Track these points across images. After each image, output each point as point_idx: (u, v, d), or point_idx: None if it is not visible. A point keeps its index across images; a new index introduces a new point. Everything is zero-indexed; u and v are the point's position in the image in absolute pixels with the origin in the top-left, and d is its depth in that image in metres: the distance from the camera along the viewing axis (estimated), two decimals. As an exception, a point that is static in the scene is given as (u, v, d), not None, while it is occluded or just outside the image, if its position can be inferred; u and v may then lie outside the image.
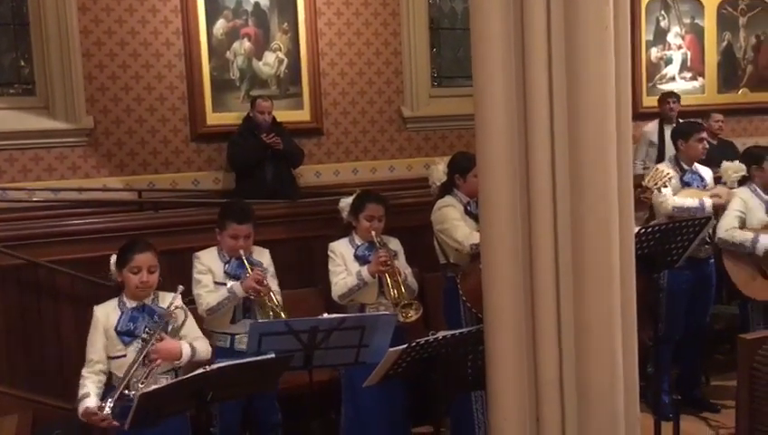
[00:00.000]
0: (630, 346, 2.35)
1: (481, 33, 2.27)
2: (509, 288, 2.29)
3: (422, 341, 2.82)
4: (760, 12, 7.74)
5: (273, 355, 2.70)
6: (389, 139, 6.80)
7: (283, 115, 6.08)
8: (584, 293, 2.25)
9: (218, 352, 3.39)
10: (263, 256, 3.73)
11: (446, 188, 3.97)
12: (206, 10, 5.98)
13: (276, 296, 3.59)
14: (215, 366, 2.56)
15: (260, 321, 3.14)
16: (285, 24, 6.24)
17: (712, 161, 4.68)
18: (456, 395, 3.63)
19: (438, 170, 4.08)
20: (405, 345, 2.82)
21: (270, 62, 6.24)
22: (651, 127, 6.75)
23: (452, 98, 6.80)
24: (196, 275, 3.57)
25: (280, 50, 6.25)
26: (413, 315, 3.63)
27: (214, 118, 6.10)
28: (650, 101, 7.07)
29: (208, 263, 3.60)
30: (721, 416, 4.21)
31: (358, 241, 3.84)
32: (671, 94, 6.82)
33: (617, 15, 2.24)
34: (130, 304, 3.14)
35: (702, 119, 6.80)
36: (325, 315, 3.05)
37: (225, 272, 3.56)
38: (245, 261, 3.53)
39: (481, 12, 2.26)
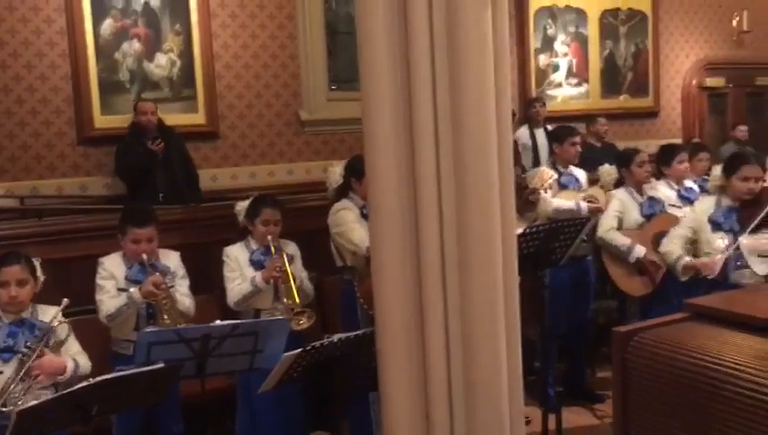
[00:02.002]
0: (514, 343, 2.45)
1: (366, 40, 2.31)
2: (398, 290, 2.34)
3: (317, 344, 2.84)
4: (638, 22, 8.21)
5: (161, 365, 2.64)
6: (287, 142, 6.77)
7: (177, 118, 5.94)
8: (470, 293, 2.33)
9: (121, 360, 3.31)
10: (170, 258, 3.66)
11: (343, 192, 4.00)
12: (93, 9, 5.76)
13: (186, 300, 3.57)
14: (99, 378, 2.48)
15: (147, 330, 3.06)
16: (177, 25, 6.10)
17: (597, 163, 4.94)
18: (353, 397, 3.66)
19: (335, 173, 4.10)
20: (300, 349, 2.83)
21: (162, 64, 6.08)
22: (521, 132, 7.05)
23: (349, 101, 6.85)
24: (98, 281, 3.49)
25: (172, 51, 6.10)
26: (305, 323, 3.63)
27: (102, 121, 5.88)
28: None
29: (111, 268, 3.51)
30: (606, 405, 4.43)
31: (254, 246, 3.81)
32: (537, 99, 7.16)
33: (495, 21, 2.33)
34: (7, 318, 3.00)
35: (588, 123, 7.18)
36: (217, 322, 3.01)
37: (126, 277, 3.48)
38: (148, 266, 3.46)
39: (366, 19, 2.30)
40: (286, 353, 2.83)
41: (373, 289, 2.42)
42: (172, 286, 3.54)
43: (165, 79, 6.10)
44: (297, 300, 3.65)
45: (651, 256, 4.13)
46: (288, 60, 6.65)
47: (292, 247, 3.89)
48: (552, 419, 3.63)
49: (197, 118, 6.24)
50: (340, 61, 7.12)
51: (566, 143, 4.53)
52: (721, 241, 3.66)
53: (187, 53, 6.15)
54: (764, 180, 3.85)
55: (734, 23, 8.76)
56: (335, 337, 2.88)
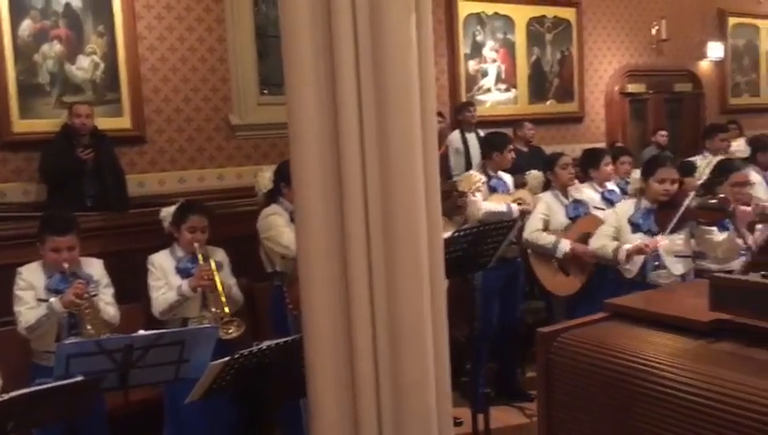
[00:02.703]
0: (442, 345, 2.47)
1: (291, 44, 2.30)
2: (325, 294, 2.33)
3: (245, 352, 2.80)
4: (563, 30, 8.43)
5: (80, 378, 2.55)
6: (217, 147, 6.65)
7: (102, 122, 5.76)
8: (397, 297, 2.34)
9: (43, 372, 3.20)
10: (93, 267, 3.56)
11: (273, 197, 3.98)
12: (11, 10, 5.53)
13: (110, 309, 3.48)
14: (14, 393, 2.37)
15: (66, 342, 2.96)
16: (101, 26, 5.92)
17: (525, 167, 5.04)
18: (284, 405, 3.62)
19: (264, 178, 4.07)
20: (227, 358, 2.78)
21: (84, 67, 5.89)
22: (454, 136, 7.15)
23: (280, 106, 6.75)
24: (16, 292, 3.38)
25: (95, 54, 5.92)
26: (234, 332, 3.58)
27: (22, 125, 5.65)
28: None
29: (30, 278, 3.40)
30: (535, 404, 4.46)
31: (180, 253, 3.73)
32: (469, 104, 7.27)
33: (420, 26, 2.35)
34: None
35: (515, 128, 7.33)
36: (141, 332, 2.93)
37: (46, 287, 3.36)
38: (69, 275, 3.35)
39: (290, 24, 2.29)
40: (213, 362, 2.78)
41: (300, 294, 2.40)
42: (95, 295, 3.45)
43: (88, 81, 5.91)
44: (226, 309, 3.60)
45: (579, 247, 4.20)
46: (217, 63, 6.54)
47: (220, 254, 3.82)
48: (482, 419, 3.68)
49: (123, 122, 6.07)
50: (271, 65, 7.05)
51: (505, 150, 4.63)
52: (640, 242, 3.78)
53: (111, 56, 5.98)
54: (681, 183, 4.00)
55: (654, 31, 9.10)
56: (264, 344, 2.85)
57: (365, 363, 2.34)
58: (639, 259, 3.77)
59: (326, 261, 2.33)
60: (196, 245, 3.66)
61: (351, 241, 2.32)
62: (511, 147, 4.70)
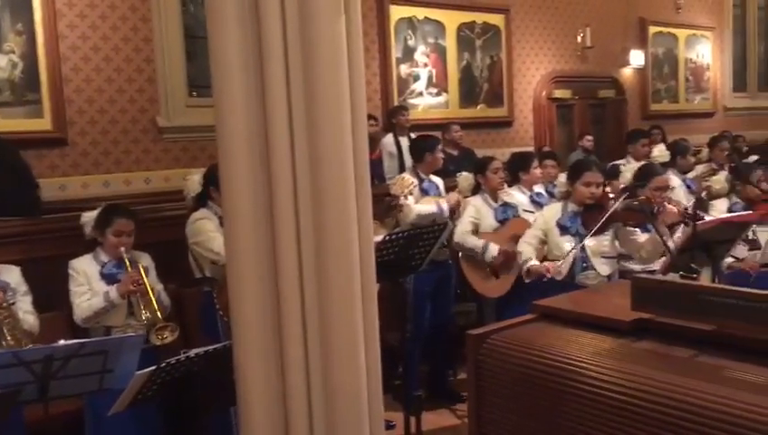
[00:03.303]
0: (374, 350, 2.47)
1: (218, 46, 2.26)
2: (254, 299, 2.30)
3: (172, 361, 2.72)
4: (492, 36, 8.58)
5: (-5, 391, 2.43)
6: (144, 149, 6.48)
7: (20, 124, 5.53)
8: (328, 302, 2.32)
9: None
10: (10, 274, 3.42)
11: (202, 201, 3.90)
12: None
13: (30, 318, 3.37)
14: None
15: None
16: (19, 24, 5.68)
17: (455, 170, 5.09)
18: (214, 413, 3.55)
19: (193, 181, 3.99)
20: (153, 367, 2.70)
21: (2, 66, 5.64)
22: (388, 139, 7.19)
23: (210, 108, 6.62)
24: None
25: (13, 52, 5.67)
26: (168, 337, 3.49)
27: (-63, 126, 5.37)
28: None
29: None
30: (467, 405, 4.56)
31: (104, 258, 3.61)
32: (402, 107, 7.32)
33: (349, 27, 2.35)
34: None
35: (443, 131, 7.41)
36: (62, 342, 2.82)
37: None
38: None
39: (217, 24, 2.25)
40: (139, 372, 2.69)
41: (229, 299, 2.36)
42: (13, 303, 3.30)
43: (5, 81, 5.66)
44: (159, 314, 3.51)
45: (507, 248, 4.28)
46: (144, 63, 6.37)
47: (146, 259, 3.72)
48: (414, 421, 3.69)
49: (43, 123, 5.83)
50: (200, 66, 6.90)
51: (436, 152, 4.67)
52: (568, 244, 3.87)
53: (30, 55, 5.74)
54: (606, 186, 4.12)
55: (579, 39, 9.36)
56: (192, 352, 2.78)
57: (295, 369, 2.31)
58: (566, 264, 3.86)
59: (255, 266, 2.30)
60: (122, 249, 3.55)
61: (281, 246, 2.29)
62: (440, 147, 4.74)
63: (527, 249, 3.99)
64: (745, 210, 4.08)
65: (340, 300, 2.33)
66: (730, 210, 4.21)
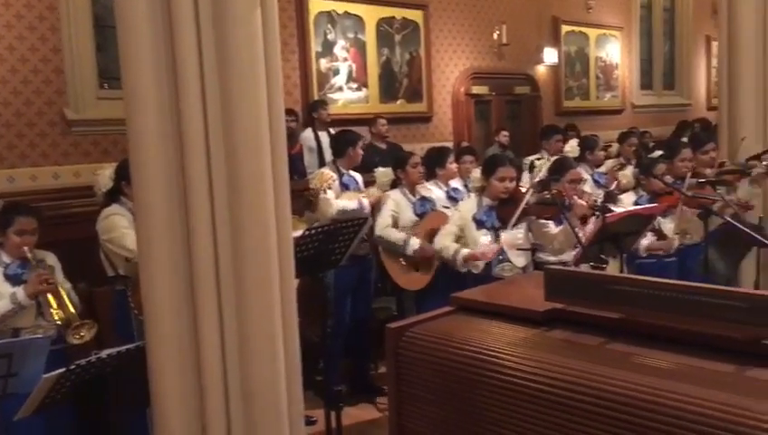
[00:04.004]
0: (293, 346, 2.45)
1: (128, 36, 2.18)
2: (169, 297, 2.24)
3: (82, 362, 2.62)
4: (411, 31, 8.64)
5: None
6: (52, 143, 6.20)
7: None
8: (245, 299, 2.29)
9: None
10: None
11: (113, 196, 3.78)
12: None
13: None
14: None
15: None
16: None
17: (383, 164, 5.06)
18: (129, 415, 3.44)
19: (105, 177, 3.87)
20: (62, 369, 2.59)
21: None
22: (307, 134, 7.16)
23: (122, 100, 6.41)
24: None
25: None
26: (86, 335, 3.37)
27: None
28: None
29: None
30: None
31: (6, 259, 3.44)
32: (322, 102, 7.31)
33: (265, 20, 2.31)
34: None
35: (370, 126, 7.43)
36: (-39, 346, 2.67)
37: None
38: None
39: (127, 13, 2.17)
40: (46, 375, 2.58)
41: (142, 298, 2.29)
42: None
43: None
44: (72, 310, 3.38)
45: (427, 246, 4.33)
46: (50, 54, 6.09)
47: (51, 258, 3.58)
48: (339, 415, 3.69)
49: (-60, 115, 5.51)
50: (111, 57, 6.65)
51: (357, 147, 4.66)
52: (484, 238, 3.95)
53: (-75, 43, 5.40)
54: (519, 181, 4.22)
55: (495, 36, 9.55)
56: (103, 353, 2.68)
57: (212, 367, 2.27)
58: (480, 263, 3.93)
59: (170, 264, 2.24)
60: (25, 248, 3.39)
61: (196, 243, 2.25)
62: (361, 143, 4.74)
63: (449, 243, 4.03)
64: (651, 203, 4.26)
65: (258, 296, 2.30)
66: (636, 203, 4.38)
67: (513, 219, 3.89)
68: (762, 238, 3.61)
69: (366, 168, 4.94)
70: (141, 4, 2.15)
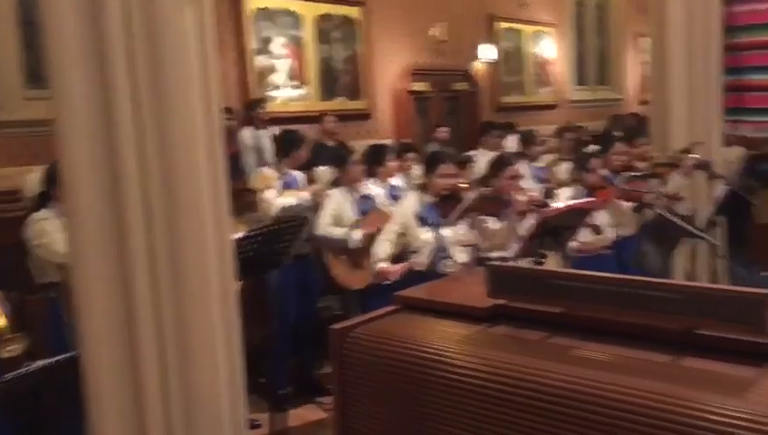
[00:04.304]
0: (235, 350, 2.40)
1: (54, 35, 2.10)
2: (104, 305, 2.17)
3: (9, 376, 2.51)
4: (350, 28, 8.61)
5: None
6: (-22, 146, 5.95)
7: None
8: (184, 303, 2.23)
9: None
10: None
11: (43, 201, 3.65)
12: None
13: None
14: None
15: None
16: None
17: (330, 161, 5.00)
18: (65, 427, 3.33)
19: (33, 180, 3.74)
20: (-10, 383, 2.48)
21: None
22: (246, 133, 7.07)
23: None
24: None
25: None
26: (18, 349, 3.23)
27: None
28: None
29: None
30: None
31: (-71, 267, 3.28)
32: (261, 100, 7.23)
33: (200, 19, 2.26)
34: None
35: (320, 123, 7.39)
36: None
37: None
38: None
39: (52, 10, 2.09)
40: (-27, 390, 2.47)
41: (76, 305, 2.21)
42: None
43: None
44: (4, 323, 3.23)
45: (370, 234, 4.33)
46: (-28, 52, 5.84)
47: (-25, 266, 3.42)
48: (283, 417, 3.65)
49: None
50: (40, 56, 6.42)
51: (302, 147, 4.61)
52: (426, 235, 3.96)
53: None
54: (459, 177, 4.24)
55: (433, 33, 9.60)
56: (36, 365, 2.58)
57: (151, 375, 2.21)
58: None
59: (103, 269, 2.17)
60: (-52, 257, 3.24)
61: (131, 248, 2.18)
62: (304, 144, 4.69)
63: (382, 248, 4.03)
64: (588, 197, 4.35)
65: (198, 300, 2.25)
66: (573, 198, 4.46)
67: (455, 215, 3.92)
68: (693, 229, 3.73)
69: (315, 165, 4.88)
70: (67, 2, 2.07)
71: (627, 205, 4.54)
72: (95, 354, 2.18)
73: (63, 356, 2.69)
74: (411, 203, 4.13)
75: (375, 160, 4.75)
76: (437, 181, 4.05)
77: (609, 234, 4.60)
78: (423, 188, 4.16)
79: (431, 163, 4.12)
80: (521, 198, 4.09)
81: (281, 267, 3.82)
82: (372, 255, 4.06)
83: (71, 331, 3.39)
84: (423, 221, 4.03)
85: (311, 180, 4.73)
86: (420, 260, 4.01)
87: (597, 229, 4.44)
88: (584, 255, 4.52)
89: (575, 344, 1.96)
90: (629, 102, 13.44)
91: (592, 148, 6.23)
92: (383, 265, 3.97)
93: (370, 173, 4.77)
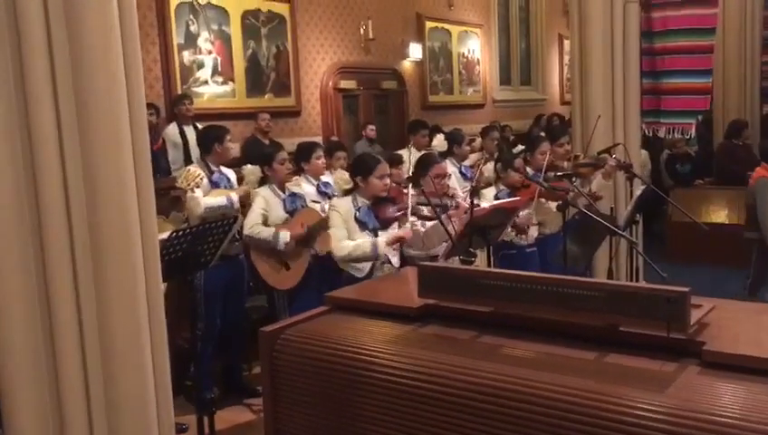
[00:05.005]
0: (161, 354, 2.34)
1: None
2: (20, 307, 2.08)
3: None
4: (278, 24, 8.51)
5: None
6: None
7: None
8: (108, 305, 2.16)
9: None
10: None
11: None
12: None
13: None
14: None
15: None
16: None
17: (258, 160, 4.89)
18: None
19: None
20: None
21: None
22: (171, 129, 6.91)
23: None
24: None
25: None
26: None
27: None
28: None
29: None
30: (261, 400, 4.52)
31: None
32: (185, 96, 7.08)
33: (122, 12, 2.19)
34: None
35: (250, 119, 7.30)
36: None
37: None
38: None
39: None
40: None
41: (-9, 312, 2.10)
42: None
43: None
44: None
45: (297, 235, 4.26)
46: None
47: None
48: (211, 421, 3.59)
49: None
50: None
51: (225, 142, 4.50)
52: (366, 238, 3.91)
53: None
54: (394, 177, 4.24)
55: (362, 31, 9.61)
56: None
57: (72, 380, 2.13)
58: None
59: (21, 270, 2.08)
60: None
61: (51, 247, 2.09)
62: (229, 138, 4.59)
63: (349, 243, 3.87)
64: (510, 196, 4.43)
65: (122, 303, 2.18)
66: (497, 197, 4.54)
67: (400, 217, 3.92)
68: (614, 228, 3.85)
69: (251, 162, 4.77)
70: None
71: (551, 204, 4.65)
72: (10, 359, 2.08)
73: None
74: (347, 207, 3.99)
75: (301, 158, 4.70)
76: (376, 182, 3.98)
77: (533, 231, 4.70)
78: (352, 190, 4.08)
79: (366, 166, 4.03)
80: (462, 205, 4.08)
81: (207, 268, 3.74)
82: (354, 249, 3.87)
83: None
84: (363, 225, 3.94)
85: (240, 179, 4.64)
86: (360, 266, 3.93)
87: (519, 229, 4.53)
88: (510, 251, 4.62)
89: (504, 343, 2.00)
90: (553, 102, 13.81)
91: (520, 147, 6.36)
92: (382, 237, 3.87)
93: (299, 171, 4.72)
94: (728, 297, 2.17)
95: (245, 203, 4.40)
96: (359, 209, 3.98)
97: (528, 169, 4.87)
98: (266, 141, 7.19)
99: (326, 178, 4.85)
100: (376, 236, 3.92)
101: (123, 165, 2.20)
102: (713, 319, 1.92)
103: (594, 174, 5.10)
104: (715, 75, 6.96)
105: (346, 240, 3.91)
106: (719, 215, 7.88)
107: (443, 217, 3.63)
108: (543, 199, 4.68)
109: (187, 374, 4.41)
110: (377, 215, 3.98)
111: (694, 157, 8.80)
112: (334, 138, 8.17)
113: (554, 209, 4.44)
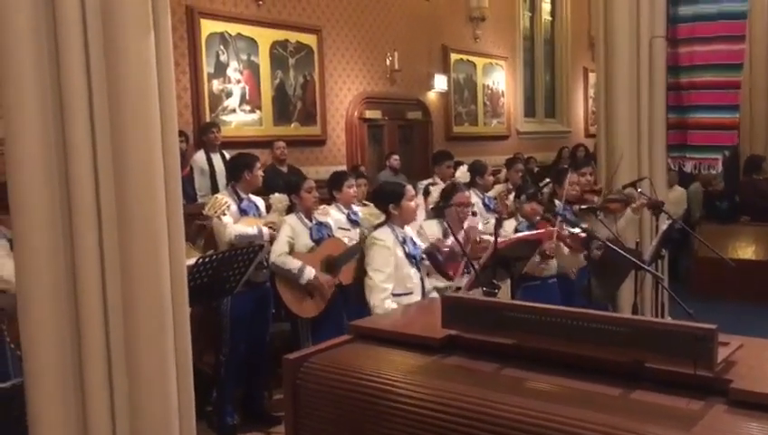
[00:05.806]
0: (186, 378, 2.36)
1: (8, 62, 2.06)
2: (51, 331, 2.11)
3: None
4: (305, 55, 8.65)
5: None
6: None
7: None
8: (135, 330, 2.19)
9: None
10: None
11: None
12: None
13: None
14: None
15: None
16: None
17: (283, 188, 4.95)
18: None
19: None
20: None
21: None
22: (199, 156, 7.01)
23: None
24: None
25: None
26: None
27: None
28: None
29: None
30: (282, 427, 4.50)
31: None
32: (213, 124, 7.19)
33: (159, 46, 2.25)
34: None
35: (270, 148, 7.38)
36: None
37: None
38: None
39: (7, 41, 2.05)
40: None
41: (21, 334, 2.15)
42: None
43: None
44: None
45: (321, 276, 4.31)
46: None
47: None
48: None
49: None
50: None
51: (254, 170, 4.56)
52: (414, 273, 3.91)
53: None
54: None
55: (388, 62, 9.72)
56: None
57: (99, 404, 2.16)
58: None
59: (52, 295, 2.12)
60: None
61: (82, 272, 2.14)
62: (258, 165, 4.65)
63: (388, 302, 3.62)
64: (529, 229, 4.41)
65: (149, 328, 2.21)
66: (516, 229, 4.52)
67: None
68: (640, 262, 3.83)
69: (271, 191, 4.82)
70: (24, 27, 2.03)
71: (565, 249, 4.59)
72: (40, 382, 2.12)
73: (6, 384, 2.60)
74: (389, 238, 3.81)
75: (332, 186, 4.75)
76: (408, 206, 3.87)
77: (554, 262, 4.66)
78: (386, 221, 3.93)
79: (397, 194, 3.92)
80: (485, 241, 4.06)
81: (232, 294, 3.78)
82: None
83: (13, 358, 3.29)
84: (411, 258, 3.84)
85: (268, 207, 4.67)
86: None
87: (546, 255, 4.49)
88: (532, 282, 4.58)
89: (527, 376, 1.99)
90: (578, 134, 13.79)
91: (546, 181, 6.34)
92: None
93: (331, 199, 4.77)
94: (756, 335, 2.15)
95: (273, 237, 4.42)
96: (405, 241, 3.86)
97: (557, 202, 4.85)
98: (284, 168, 7.25)
99: (356, 206, 4.89)
100: (418, 269, 3.88)
101: (154, 191, 2.24)
102: (740, 357, 1.89)
103: (623, 210, 5.07)
104: (741, 110, 6.90)
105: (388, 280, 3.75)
106: (746, 251, 7.78)
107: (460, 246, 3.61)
108: (561, 244, 4.59)
109: (209, 400, 4.42)
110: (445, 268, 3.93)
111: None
112: (361, 167, 8.23)
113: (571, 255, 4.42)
